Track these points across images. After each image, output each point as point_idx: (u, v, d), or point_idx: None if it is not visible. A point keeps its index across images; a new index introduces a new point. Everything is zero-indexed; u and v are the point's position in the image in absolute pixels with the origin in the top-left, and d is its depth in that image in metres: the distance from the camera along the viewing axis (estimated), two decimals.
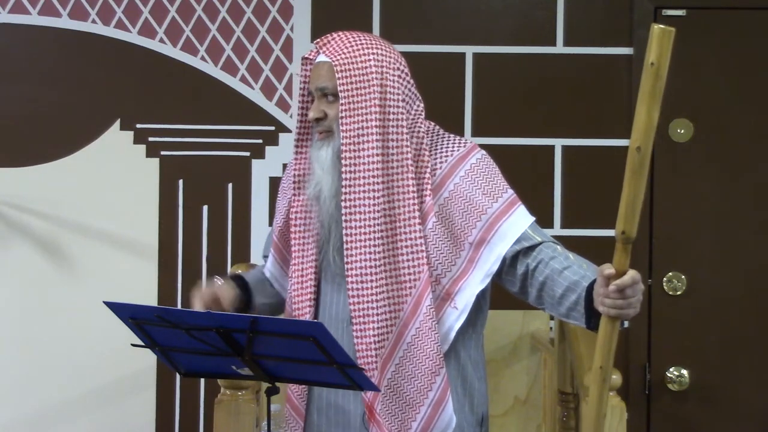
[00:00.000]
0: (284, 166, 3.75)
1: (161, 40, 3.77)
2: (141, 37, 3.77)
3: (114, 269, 3.76)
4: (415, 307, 2.24)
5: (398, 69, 2.27)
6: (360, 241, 2.22)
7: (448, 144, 2.32)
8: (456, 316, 2.26)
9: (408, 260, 2.24)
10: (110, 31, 3.77)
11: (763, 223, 3.77)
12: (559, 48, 3.78)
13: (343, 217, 2.23)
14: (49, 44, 3.77)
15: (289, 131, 3.76)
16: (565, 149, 3.78)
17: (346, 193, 2.23)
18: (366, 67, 2.23)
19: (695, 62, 3.72)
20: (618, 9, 3.77)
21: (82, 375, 3.76)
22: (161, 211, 3.78)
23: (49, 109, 3.77)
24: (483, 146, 2.35)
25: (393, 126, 2.24)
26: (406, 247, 2.23)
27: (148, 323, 2.10)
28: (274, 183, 3.77)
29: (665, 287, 3.75)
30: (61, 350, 3.76)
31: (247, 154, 3.78)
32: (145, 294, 3.75)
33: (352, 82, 2.23)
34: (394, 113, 2.24)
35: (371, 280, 2.22)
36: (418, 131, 2.28)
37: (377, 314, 2.22)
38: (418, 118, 2.29)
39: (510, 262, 2.25)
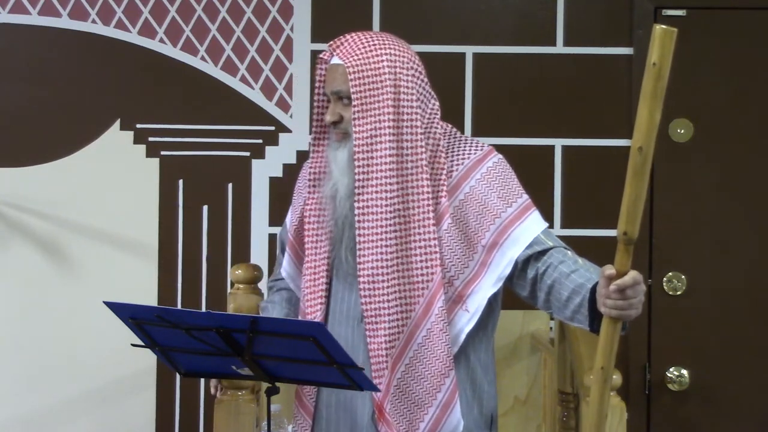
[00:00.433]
0: (284, 166, 3.76)
1: (161, 40, 3.77)
2: (141, 37, 3.77)
3: (114, 269, 3.76)
4: (427, 308, 2.24)
5: (412, 68, 2.27)
6: (372, 241, 2.23)
7: (465, 146, 2.33)
8: (467, 318, 2.27)
9: (421, 261, 2.24)
10: (110, 31, 3.77)
11: (763, 223, 3.77)
12: (559, 48, 3.78)
13: (356, 218, 2.24)
14: (49, 44, 3.77)
15: (290, 131, 3.76)
16: (565, 149, 3.78)
17: (359, 194, 2.23)
18: (379, 68, 2.23)
19: (695, 62, 3.72)
20: (618, 9, 3.77)
21: (82, 375, 3.76)
22: (161, 211, 3.78)
23: (49, 109, 3.77)
24: None
25: (407, 126, 2.24)
26: (420, 248, 2.24)
27: (148, 323, 2.10)
28: (274, 183, 3.77)
29: (665, 287, 3.75)
30: (61, 350, 3.76)
31: (247, 154, 3.78)
32: (145, 294, 3.75)
33: (364, 84, 2.23)
34: (408, 113, 2.24)
35: (383, 280, 2.22)
36: (434, 132, 2.29)
37: (389, 314, 2.23)
38: (434, 117, 2.30)
39: (521, 267, 2.25)
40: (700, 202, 3.76)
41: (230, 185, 3.78)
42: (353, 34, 2.30)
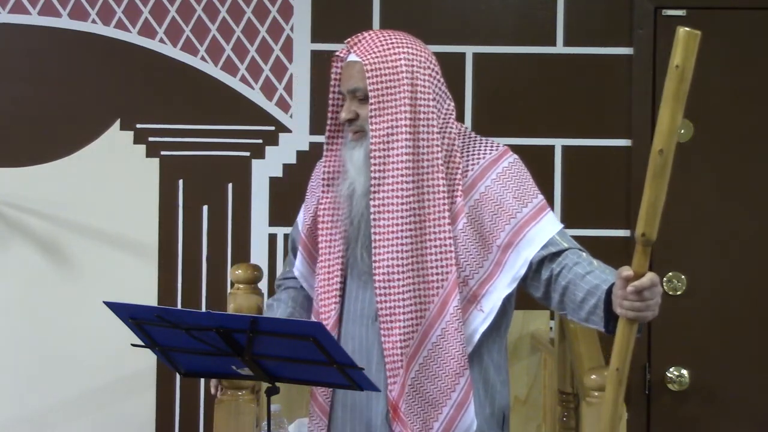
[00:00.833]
0: (284, 166, 3.76)
1: (161, 40, 3.77)
2: (141, 37, 3.77)
3: (114, 269, 3.76)
4: (442, 307, 2.24)
5: (429, 68, 2.28)
6: (388, 239, 2.23)
7: (480, 146, 2.33)
8: (482, 319, 2.27)
9: (436, 260, 2.24)
10: (110, 31, 3.77)
11: (764, 223, 3.76)
12: (559, 48, 3.78)
13: (372, 216, 2.24)
14: (49, 44, 3.77)
15: (290, 131, 3.76)
16: (565, 149, 3.78)
17: (374, 192, 2.23)
18: (396, 67, 2.23)
19: (695, 62, 3.71)
20: (618, 9, 3.77)
21: (82, 375, 3.76)
22: (161, 211, 3.78)
23: (49, 109, 3.77)
24: None
25: (424, 126, 2.24)
26: (435, 246, 2.24)
27: (148, 323, 2.10)
28: (274, 183, 3.77)
29: (665, 287, 3.74)
30: (61, 350, 3.76)
31: (247, 154, 3.78)
32: (145, 294, 3.75)
33: (382, 82, 2.23)
34: (424, 113, 2.24)
35: (398, 279, 2.22)
36: (450, 132, 2.29)
37: (403, 312, 2.23)
38: (449, 118, 2.30)
39: (536, 268, 2.25)
40: (700, 202, 3.75)
41: (230, 185, 3.78)
42: (371, 32, 2.30)
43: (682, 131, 3.75)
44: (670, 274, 3.75)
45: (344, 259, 2.33)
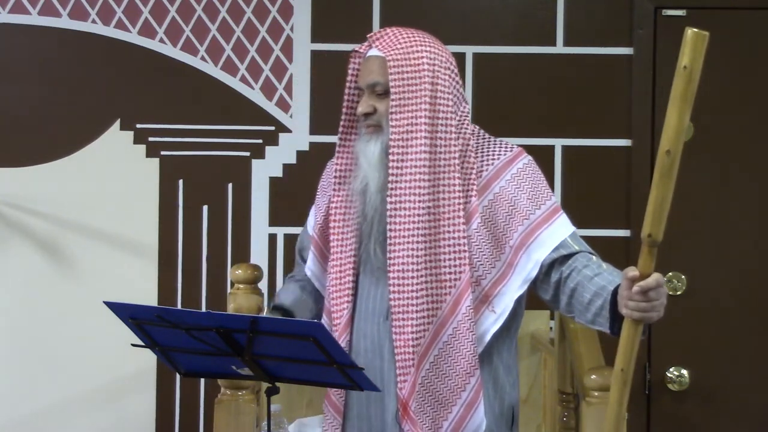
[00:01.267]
0: (284, 166, 3.76)
1: (161, 40, 3.77)
2: (141, 37, 3.77)
3: (114, 269, 3.76)
4: (454, 306, 2.24)
5: (449, 69, 2.28)
6: (403, 236, 2.22)
7: (494, 147, 2.33)
8: (493, 319, 2.27)
9: (450, 259, 2.24)
10: (110, 31, 3.77)
11: (764, 223, 3.76)
12: (559, 48, 3.78)
13: (388, 212, 2.23)
14: (49, 44, 3.77)
15: (290, 131, 3.76)
16: (565, 149, 3.78)
17: (392, 188, 2.23)
18: (419, 64, 2.24)
19: None
20: (618, 9, 3.77)
21: (82, 375, 3.76)
22: (161, 211, 3.78)
23: (49, 109, 3.77)
24: None
25: (442, 124, 2.24)
26: (449, 245, 2.24)
27: (148, 323, 2.10)
28: (274, 183, 3.77)
29: (665, 287, 3.74)
30: (61, 350, 3.76)
31: (247, 154, 3.78)
32: (145, 294, 3.75)
33: (404, 78, 2.23)
34: (443, 111, 2.25)
35: (412, 276, 2.22)
36: (465, 132, 2.29)
37: (416, 310, 2.23)
38: (465, 119, 2.30)
39: (546, 270, 2.25)
40: (700, 202, 3.75)
41: (230, 185, 3.78)
42: (393, 29, 2.30)
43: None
44: (670, 274, 3.75)
45: (356, 255, 2.33)
